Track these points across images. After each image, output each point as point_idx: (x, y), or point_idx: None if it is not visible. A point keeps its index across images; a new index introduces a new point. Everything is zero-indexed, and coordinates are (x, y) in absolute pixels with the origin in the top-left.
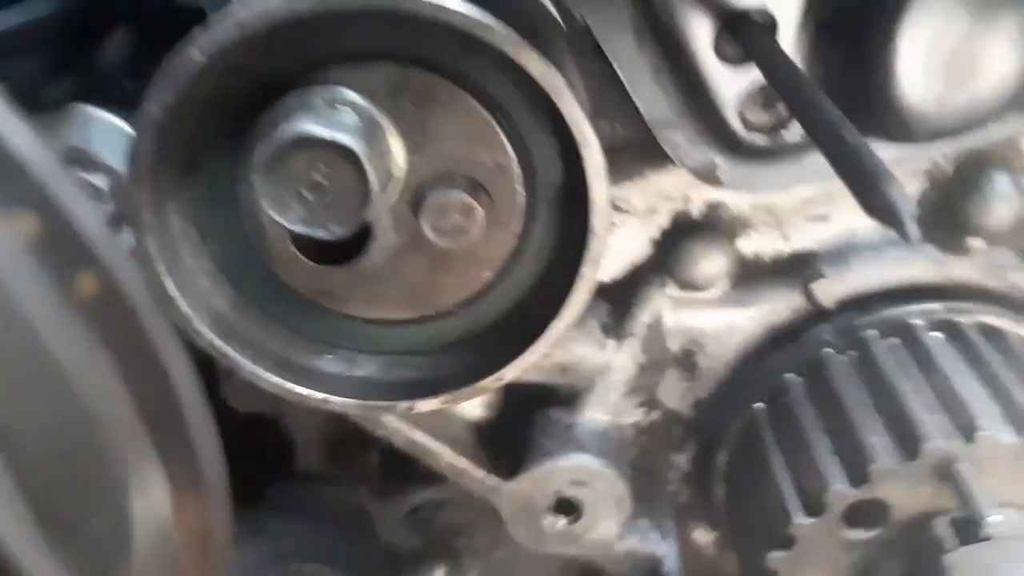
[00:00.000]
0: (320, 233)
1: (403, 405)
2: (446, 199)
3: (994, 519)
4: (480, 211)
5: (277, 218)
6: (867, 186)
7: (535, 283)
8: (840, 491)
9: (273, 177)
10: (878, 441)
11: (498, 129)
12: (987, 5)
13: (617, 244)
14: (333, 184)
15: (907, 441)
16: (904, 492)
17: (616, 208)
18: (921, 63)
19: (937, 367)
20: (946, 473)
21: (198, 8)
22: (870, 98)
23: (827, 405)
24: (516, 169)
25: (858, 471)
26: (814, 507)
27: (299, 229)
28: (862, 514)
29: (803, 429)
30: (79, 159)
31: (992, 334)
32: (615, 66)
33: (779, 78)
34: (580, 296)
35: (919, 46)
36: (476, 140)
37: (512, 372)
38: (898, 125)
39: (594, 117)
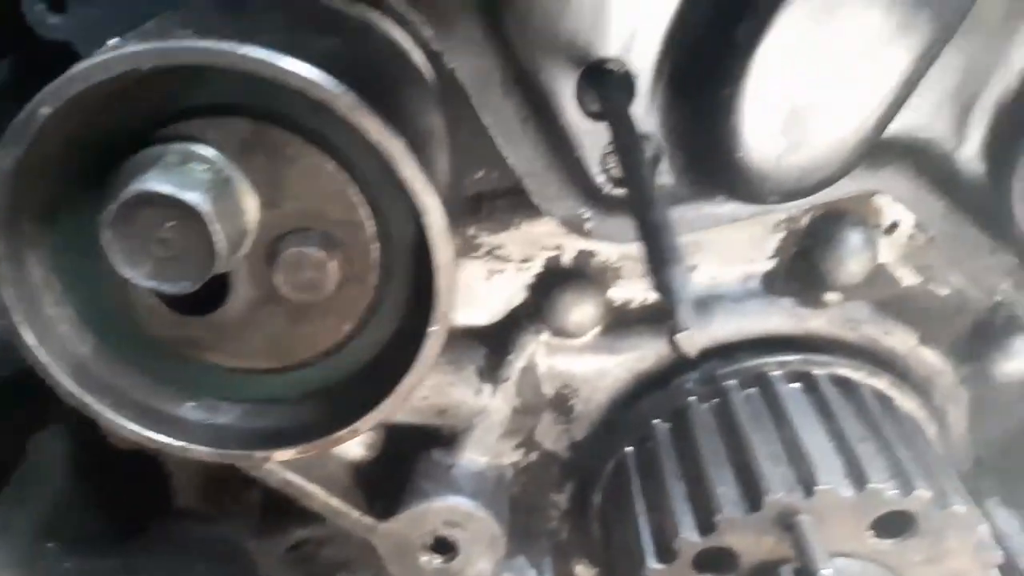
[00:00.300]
0: (169, 288)
1: (260, 455)
2: (299, 254)
3: (826, 572)
4: (333, 266)
5: (126, 274)
6: (658, 266)
7: (394, 336)
8: (689, 539)
9: (121, 233)
10: (726, 491)
11: (351, 186)
12: (826, 67)
13: (494, 290)
14: (180, 241)
15: (752, 492)
16: (750, 541)
17: (493, 255)
18: (760, 124)
19: (788, 419)
20: (788, 524)
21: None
22: (715, 156)
23: (686, 453)
24: (370, 225)
25: (706, 520)
26: (666, 554)
27: (148, 285)
28: (712, 561)
29: (663, 475)
30: None
31: (846, 386)
32: (482, 117)
33: (619, 139)
34: (429, 352)
35: (758, 106)
36: (329, 196)
37: (367, 424)
38: (741, 185)
39: (459, 169)
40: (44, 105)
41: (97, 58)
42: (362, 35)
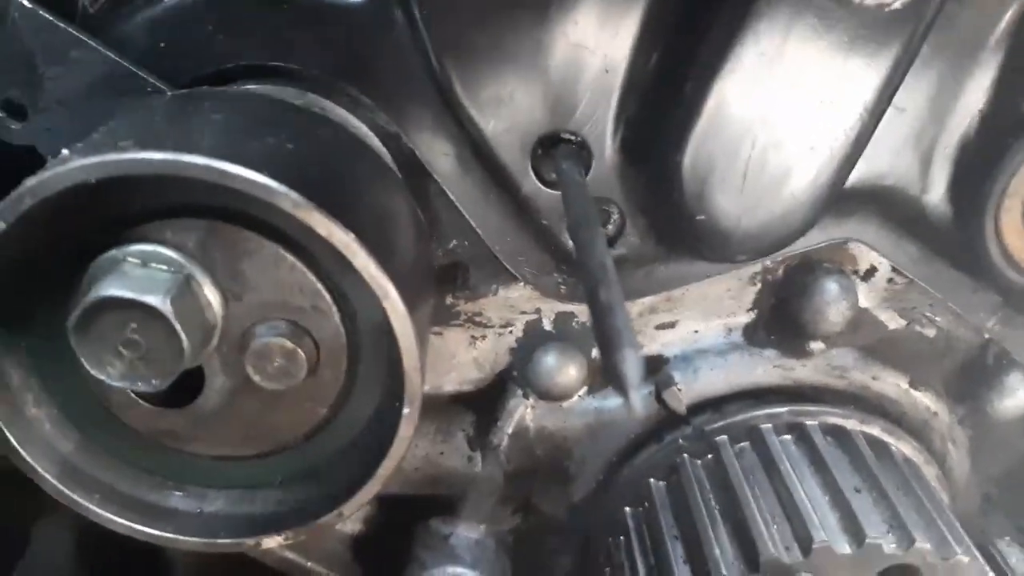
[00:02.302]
0: (141, 387)
1: (249, 542)
2: (268, 344)
3: None
4: (301, 354)
5: (97, 375)
6: (606, 348)
7: (371, 416)
8: None
9: (88, 337)
10: (723, 553)
11: (312, 276)
12: (774, 125)
13: (478, 356)
14: (147, 341)
15: (749, 553)
16: None
17: (473, 322)
18: (716, 186)
19: (781, 473)
20: None
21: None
22: (676, 220)
23: (682, 513)
24: (335, 312)
25: None
26: None
27: (120, 384)
28: None
29: (662, 537)
30: None
31: (838, 435)
32: (445, 189)
33: (570, 215)
34: (404, 434)
35: (710, 169)
36: (292, 287)
37: (352, 508)
38: (706, 247)
39: (430, 240)
40: (1, 221)
41: (44, 174)
42: (314, 126)
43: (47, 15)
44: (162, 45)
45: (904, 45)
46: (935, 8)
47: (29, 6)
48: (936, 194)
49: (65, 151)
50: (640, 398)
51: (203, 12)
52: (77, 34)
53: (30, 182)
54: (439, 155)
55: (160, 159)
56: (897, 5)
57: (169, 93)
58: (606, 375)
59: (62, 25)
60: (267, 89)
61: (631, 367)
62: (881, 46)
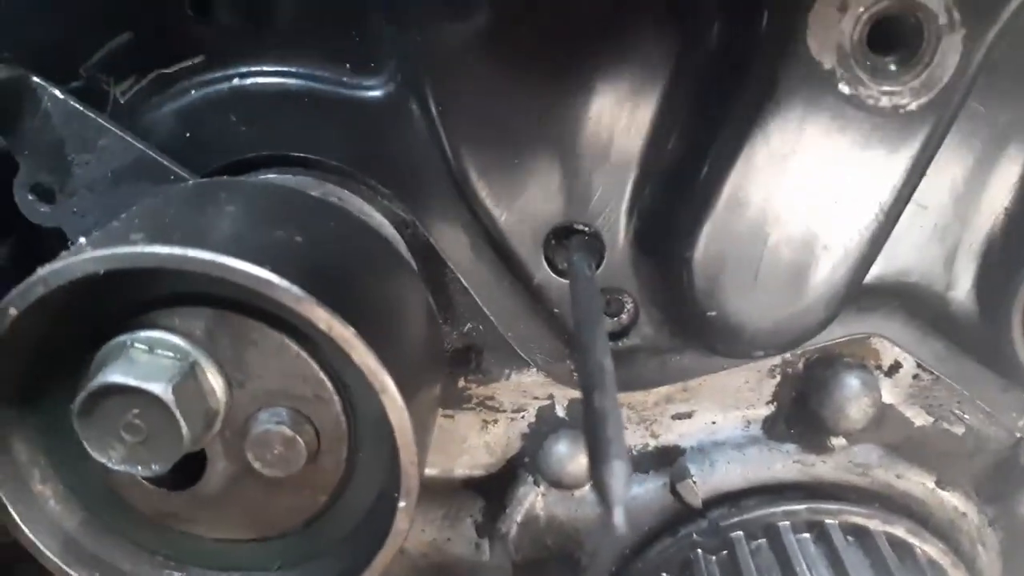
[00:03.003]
0: (142, 471)
1: None
2: (269, 432)
3: None
4: (301, 443)
5: (99, 458)
6: (594, 457)
7: (371, 505)
8: None
9: (91, 422)
10: None
11: (315, 365)
12: (787, 221)
13: (489, 441)
14: (148, 426)
15: None
16: None
17: (485, 406)
18: (728, 282)
19: (797, 574)
20: None
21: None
22: (689, 315)
23: None
24: (336, 401)
25: None
26: None
27: (121, 468)
28: None
29: None
30: None
31: (860, 535)
32: (459, 276)
33: (576, 310)
34: (400, 527)
35: (722, 264)
36: (294, 375)
37: None
38: (720, 342)
39: (443, 326)
40: (11, 306)
41: (57, 264)
42: (326, 217)
43: (78, 105)
44: (188, 135)
45: (921, 146)
46: (953, 109)
47: (61, 96)
48: (961, 291)
49: (82, 239)
50: (622, 515)
51: (228, 105)
52: (105, 123)
53: (43, 271)
54: (453, 243)
55: (166, 253)
56: (913, 107)
57: (191, 181)
58: (592, 485)
59: (91, 115)
60: (286, 179)
61: (617, 480)
62: (897, 147)
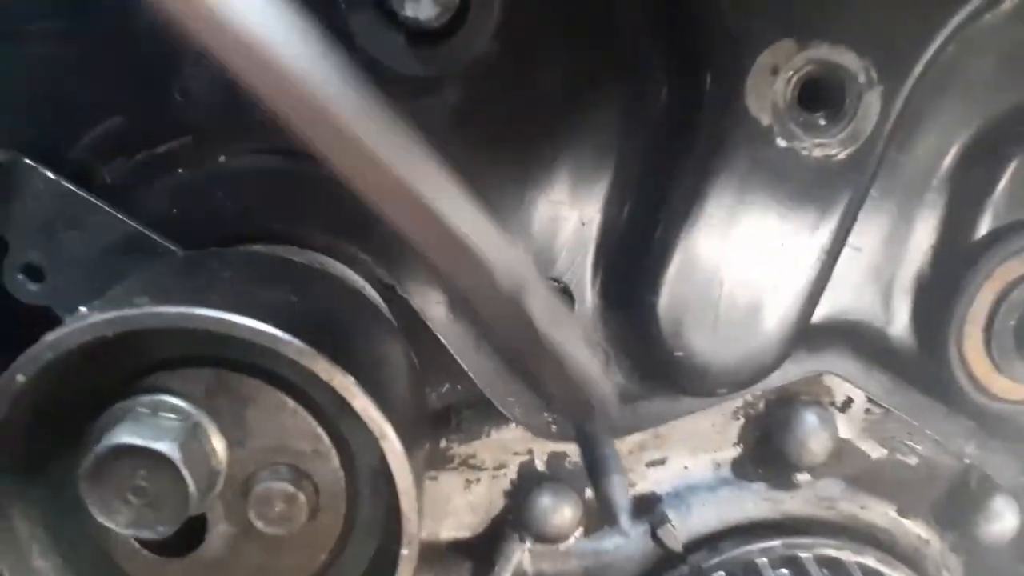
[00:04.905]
0: (148, 534)
1: None
2: (270, 489)
3: None
4: (302, 498)
5: (105, 522)
6: (594, 474)
7: (372, 559)
8: None
9: (98, 485)
10: None
11: (312, 420)
12: (740, 265)
13: (472, 500)
14: (154, 488)
15: None
16: None
17: (467, 465)
18: (690, 324)
19: None
20: None
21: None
22: (656, 358)
23: None
24: (334, 454)
25: None
26: None
27: (127, 531)
28: None
29: None
30: None
31: (833, 566)
32: (438, 335)
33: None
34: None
35: (683, 308)
36: (293, 431)
37: None
38: (687, 382)
39: (424, 385)
40: (19, 372)
41: (65, 329)
42: (314, 280)
43: (67, 185)
44: (175, 211)
45: (851, 192)
46: (876, 158)
47: (52, 177)
48: (900, 326)
49: (83, 308)
50: (628, 522)
51: (214, 183)
52: (95, 201)
53: (50, 337)
54: (432, 304)
55: (174, 313)
56: (842, 156)
57: (180, 254)
58: (597, 502)
59: (82, 194)
60: (272, 248)
61: (618, 491)
62: (831, 193)
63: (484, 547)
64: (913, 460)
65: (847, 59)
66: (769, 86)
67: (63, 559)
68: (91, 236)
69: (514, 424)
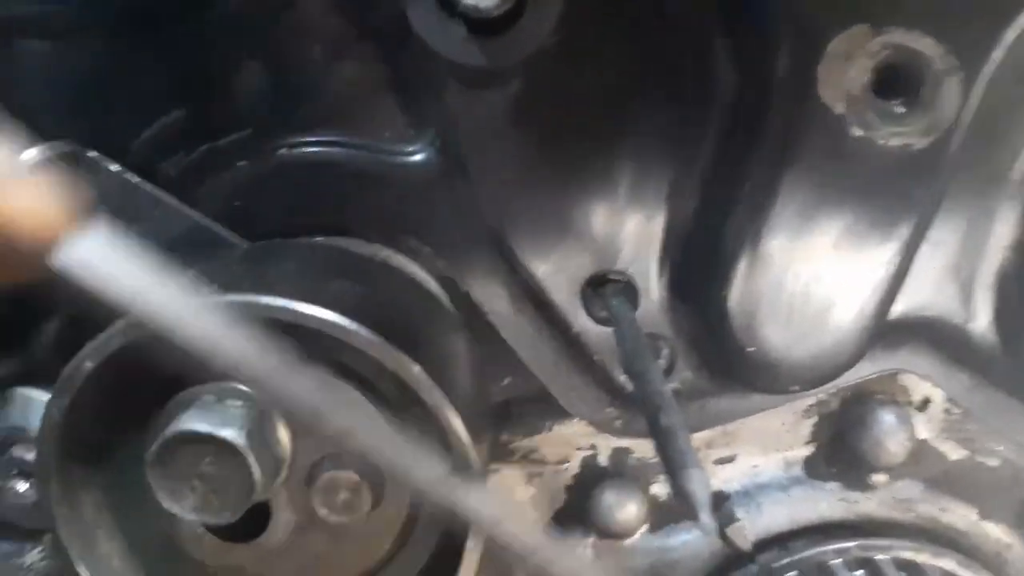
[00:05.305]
0: (212, 520)
1: None
2: (334, 478)
3: None
4: (366, 488)
5: (171, 508)
6: (672, 470)
7: (436, 551)
8: None
9: (164, 470)
10: None
11: (379, 412)
12: (817, 259)
13: (536, 494)
14: (220, 474)
15: None
16: None
17: (529, 459)
18: (762, 318)
19: None
20: None
21: None
22: (726, 354)
23: None
24: None
25: None
26: None
27: (192, 517)
28: None
29: None
30: (20, 438)
31: (911, 570)
32: (499, 329)
33: (624, 347)
34: (467, 570)
35: (756, 302)
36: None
37: None
38: (758, 378)
39: (485, 379)
40: (87, 360)
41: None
42: (378, 272)
43: (131, 178)
44: (236, 204)
45: (931, 182)
46: (956, 148)
47: (115, 169)
48: (981, 324)
49: None
50: (709, 516)
51: (274, 175)
52: (160, 194)
53: (120, 324)
54: (492, 297)
55: (242, 301)
56: (920, 146)
57: (244, 246)
58: (675, 498)
59: (147, 186)
60: (334, 240)
61: (699, 486)
62: (909, 184)
63: None
64: (995, 462)
65: (924, 44)
66: (843, 73)
67: (129, 543)
68: (155, 229)
69: (577, 419)
